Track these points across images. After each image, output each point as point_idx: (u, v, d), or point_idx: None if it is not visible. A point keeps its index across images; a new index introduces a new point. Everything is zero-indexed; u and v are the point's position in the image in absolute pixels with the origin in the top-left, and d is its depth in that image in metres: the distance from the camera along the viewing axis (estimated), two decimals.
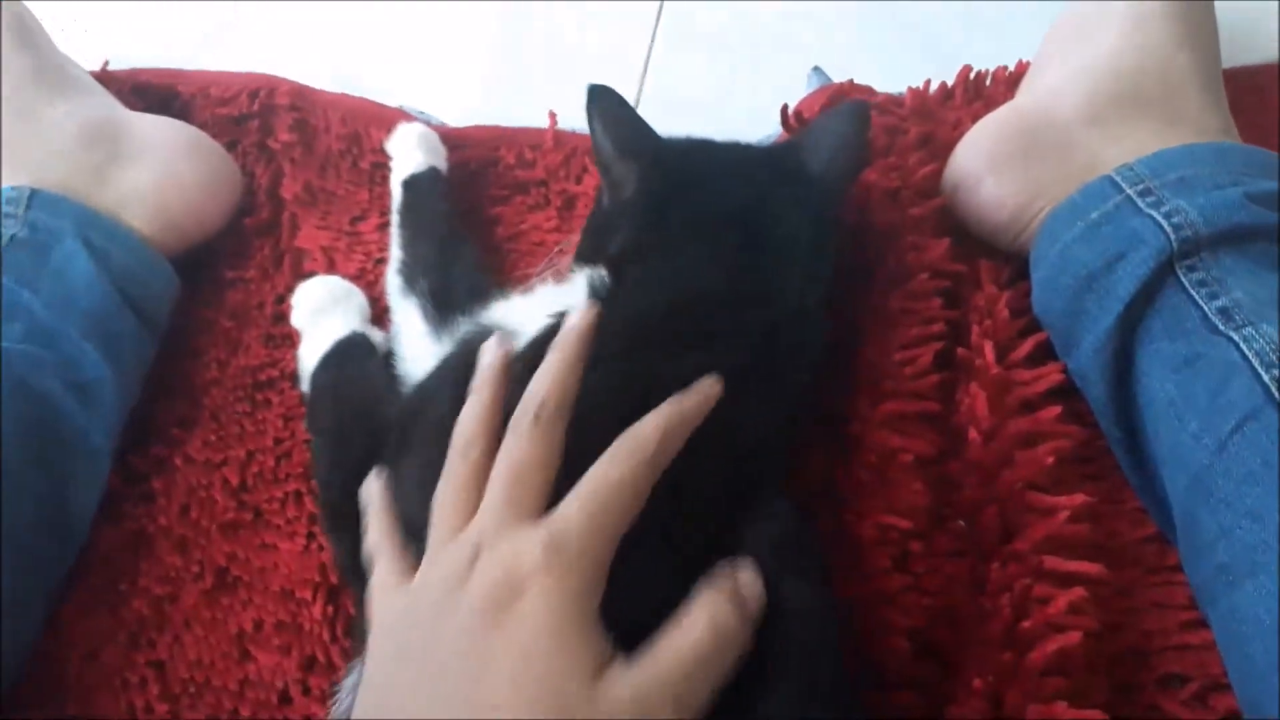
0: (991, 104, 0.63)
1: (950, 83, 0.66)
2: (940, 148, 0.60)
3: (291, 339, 0.62)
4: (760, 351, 0.46)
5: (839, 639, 0.40)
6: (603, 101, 0.49)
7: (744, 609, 0.37)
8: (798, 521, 0.44)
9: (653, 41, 0.82)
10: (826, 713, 0.38)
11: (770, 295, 0.47)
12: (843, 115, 0.53)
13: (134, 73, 0.79)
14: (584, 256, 0.51)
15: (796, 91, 0.67)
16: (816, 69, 0.65)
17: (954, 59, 0.67)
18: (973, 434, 0.50)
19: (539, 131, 0.71)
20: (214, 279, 0.66)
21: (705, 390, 0.42)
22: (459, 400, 0.43)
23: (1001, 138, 0.57)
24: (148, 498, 0.57)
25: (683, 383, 0.42)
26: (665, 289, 0.46)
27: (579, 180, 0.68)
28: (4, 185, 0.61)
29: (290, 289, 0.62)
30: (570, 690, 0.35)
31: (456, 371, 0.45)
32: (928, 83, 0.66)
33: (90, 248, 0.59)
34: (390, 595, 0.41)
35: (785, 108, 0.60)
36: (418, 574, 0.40)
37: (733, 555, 0.39)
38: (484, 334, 0.46)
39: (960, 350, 0.53)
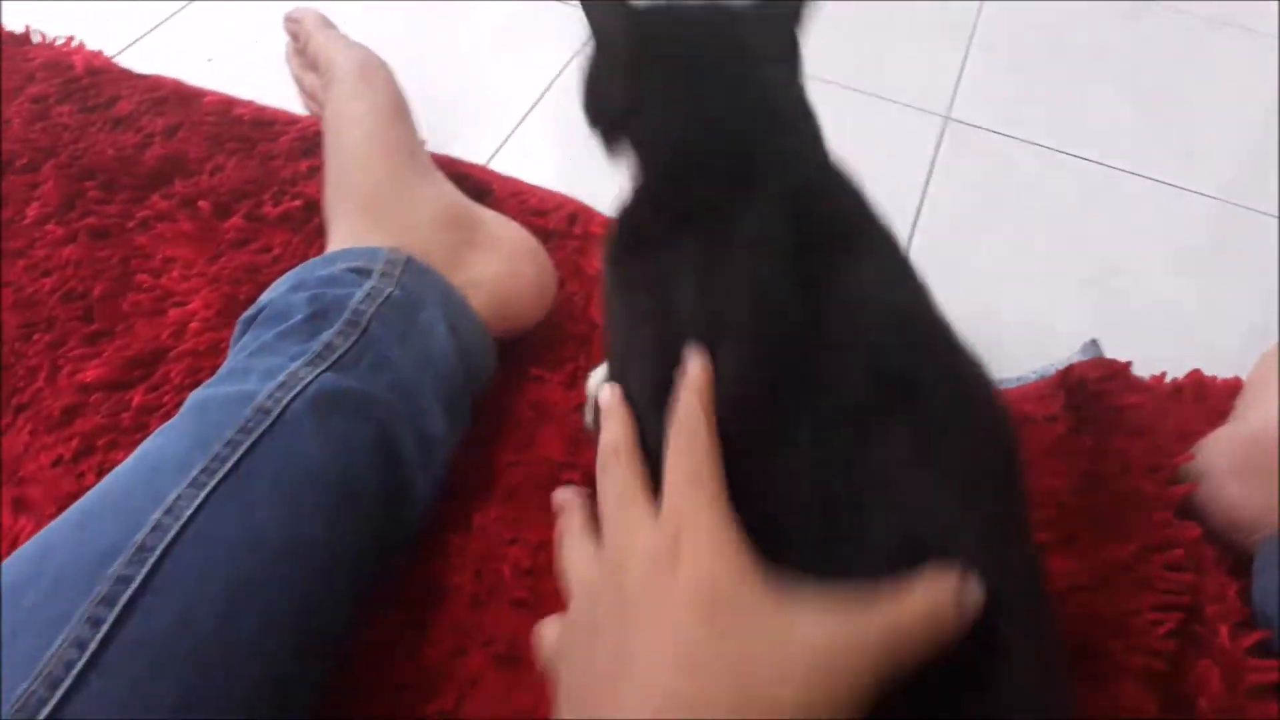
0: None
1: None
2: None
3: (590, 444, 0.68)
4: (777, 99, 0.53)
5: None
6: None
7: (962, 616, 0.37)
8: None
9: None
10: None
11: (766, 82, 0.53)
12: None
13: (452, 161, 0.88)
14: (595, 121, 0.57)
15: None
16: (1093, 341, 0.75)
17: None
18: (1203, 703, 0.57)
19: None
20: (520, 373, 0.73)
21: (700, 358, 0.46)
22: None
23: (1252, 451, 0.66)
24: (444, 553, 0.63)
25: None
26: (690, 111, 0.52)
27: None
28: (380, 245, 0.68)
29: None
30: (757, 623, 0.37)
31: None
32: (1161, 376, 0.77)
33: (446, 320, 0.66)
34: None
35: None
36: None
37: None
38: None
39: (1198, 627, 0.60)
